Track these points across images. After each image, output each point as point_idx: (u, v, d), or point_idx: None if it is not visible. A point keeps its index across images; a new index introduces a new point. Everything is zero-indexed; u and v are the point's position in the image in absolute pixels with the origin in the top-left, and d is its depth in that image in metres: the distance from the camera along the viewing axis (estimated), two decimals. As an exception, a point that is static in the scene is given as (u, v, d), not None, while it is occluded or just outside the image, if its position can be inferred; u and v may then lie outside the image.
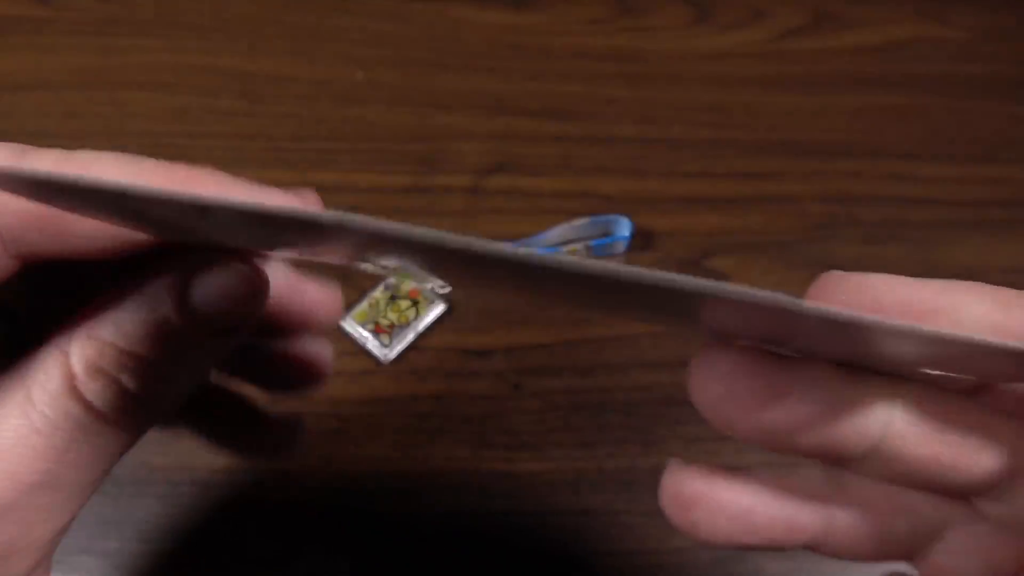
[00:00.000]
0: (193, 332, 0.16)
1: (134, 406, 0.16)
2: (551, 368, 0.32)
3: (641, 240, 0.35)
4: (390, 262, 0.14)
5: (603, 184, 0.36)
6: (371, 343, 0.32)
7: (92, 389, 0.15)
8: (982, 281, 0.13)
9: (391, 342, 0.32)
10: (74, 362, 0.15)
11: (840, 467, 0.15)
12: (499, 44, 0.38)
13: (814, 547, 0.16)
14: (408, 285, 0.32)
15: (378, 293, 0.33)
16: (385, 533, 0.29)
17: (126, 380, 0.15)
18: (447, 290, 0.32)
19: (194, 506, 0.29)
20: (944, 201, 0.38)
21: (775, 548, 0.16)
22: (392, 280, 0.32)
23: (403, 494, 0.30)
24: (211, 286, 0.15)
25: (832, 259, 0.36)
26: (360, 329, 0.32)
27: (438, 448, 0.31)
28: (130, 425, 0.16)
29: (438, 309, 0.33)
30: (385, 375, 0.32)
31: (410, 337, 0.32)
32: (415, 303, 0.33)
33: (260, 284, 0.16)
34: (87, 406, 0.15)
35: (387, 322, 0.32)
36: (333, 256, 0.16)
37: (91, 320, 0.16)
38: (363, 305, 0.32)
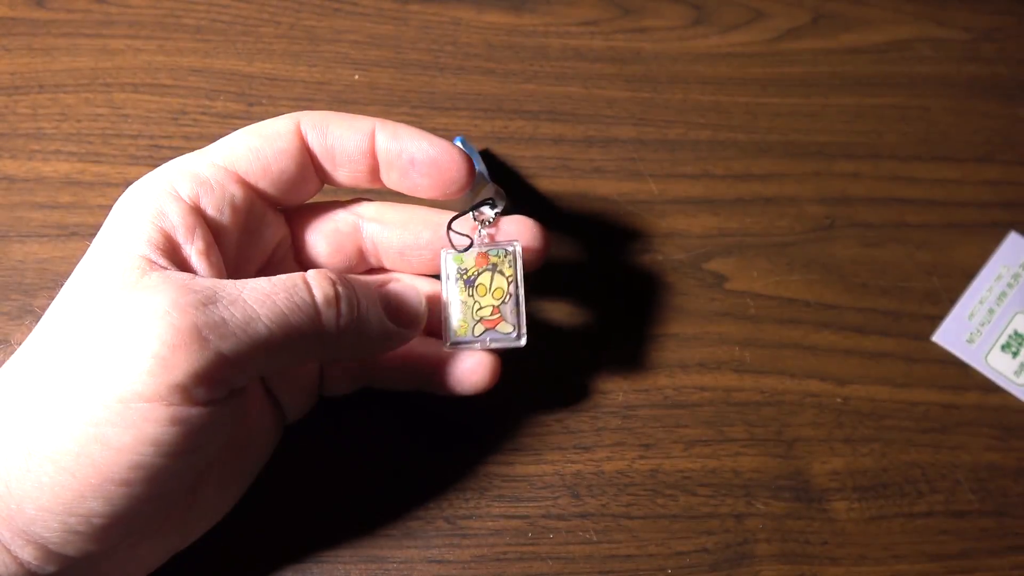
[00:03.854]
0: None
1: (337, 301, 0.23)
2: (550, 370, 0.32)
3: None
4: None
5: (601, 186, 0.36)
6: (498, 341, 0.27)
7: (314, 277, 0.23)
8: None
9: (515, 323, 0.27)
10: (309, 270, 0.23)
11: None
12: (497, 46, 0.38)
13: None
14: (471, 260, 0.27)
15: (454, 295, 0.27)
16: (384, 535, 0.29)
17: (336, 282, 0.23)
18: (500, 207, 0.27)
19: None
20: (944, 201, 0.38)
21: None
22: (452, 275, 0.27)
23: (402, 496, 0.30)
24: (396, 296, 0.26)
25: (832, 260, 0.36)
26: (474, 338, 0.27)
27: (436, 450, 0.31)
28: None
29: (515, 251, 0.27)
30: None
31: (522, 304, 0.27)
32: (492, 269, 0.27)
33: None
34: (307, 285, 0.23)
35: (489, 310, 0.27)
36: None
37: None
38: (456, 319, 0.27)
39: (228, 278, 0.23)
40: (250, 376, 0.22)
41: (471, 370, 0.27)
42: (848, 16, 0.41)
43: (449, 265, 0.27)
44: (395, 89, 0.37)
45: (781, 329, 0.34)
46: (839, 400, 0.33)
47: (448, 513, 0.30)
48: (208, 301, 0.21)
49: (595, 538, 0.30)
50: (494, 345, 0.27)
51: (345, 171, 0.26)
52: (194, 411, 0.20)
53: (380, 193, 0.28)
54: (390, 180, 0.27)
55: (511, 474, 0.31)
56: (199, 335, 0.20)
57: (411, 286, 0.26)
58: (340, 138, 0.25)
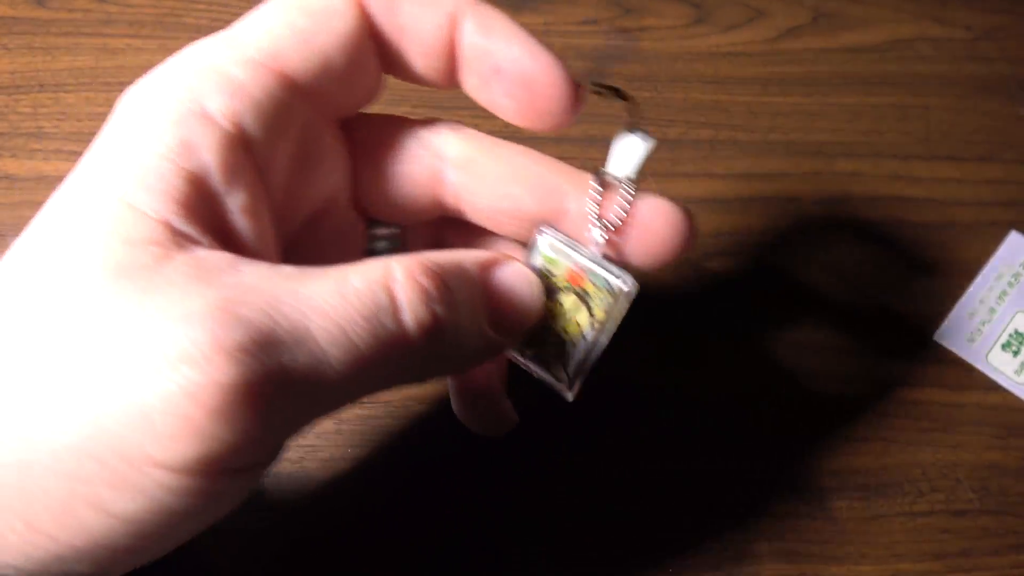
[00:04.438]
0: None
1: (435, 326, 0.16)
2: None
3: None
4: None
5: (602, 185, 0.36)
6: (544, 377, 0.22)
7: (404, 290, 0.16)
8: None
9: (571, 373, 0.21)
10: (394, 266, 0.16)
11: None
12: (497, 44, 0.38)
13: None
14: (562, 269, 0.21)
15: None
16: (384, 534, 0.29)
17: (433, 298, 0.16)
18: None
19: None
20: (944, 201, 0.38)
21: None
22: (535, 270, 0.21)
23: (402, 494, 0.30)
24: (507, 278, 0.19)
25: (832, 260, 0.36)
26: (520, 359, 0.22)
27: (438, 449, 0.31)
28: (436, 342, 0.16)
29: (624, 293, 0.21)
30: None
31: (593, 359, 0.21)
32: (583, 294, 0.21)
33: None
34: (395, 303, 0.16)
35: (553, 340, 0.21)
36: None
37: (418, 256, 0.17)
38: None
39: (273, 243, 0.17)
40: (304, 429, 0.16)
41: (485, 414, 0.24)
42: (848, 15, 0.41)
43: (536, 256, 0.21)
44: (395, 88, 0.36)
45: (781, 329, 0.34)
46: (839, 400, 0.33)
47: (448, 513, 0.30)
48: (265, 339, 0.14)
49: (597, 538, 0.30)
50: (537, 376, 0.22)
51: (418, 64, 0.19)
52: (225, 479, 0.15)
53: (452, 110, 0.24)
54: (468, 84, 0.20)
55: (512, 474, 0.31)
56: (251, 396, 0.14)
57: (526, 275, 0.19)
58: (415, 17, 0.18)
